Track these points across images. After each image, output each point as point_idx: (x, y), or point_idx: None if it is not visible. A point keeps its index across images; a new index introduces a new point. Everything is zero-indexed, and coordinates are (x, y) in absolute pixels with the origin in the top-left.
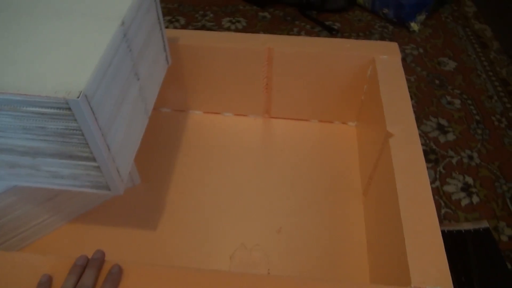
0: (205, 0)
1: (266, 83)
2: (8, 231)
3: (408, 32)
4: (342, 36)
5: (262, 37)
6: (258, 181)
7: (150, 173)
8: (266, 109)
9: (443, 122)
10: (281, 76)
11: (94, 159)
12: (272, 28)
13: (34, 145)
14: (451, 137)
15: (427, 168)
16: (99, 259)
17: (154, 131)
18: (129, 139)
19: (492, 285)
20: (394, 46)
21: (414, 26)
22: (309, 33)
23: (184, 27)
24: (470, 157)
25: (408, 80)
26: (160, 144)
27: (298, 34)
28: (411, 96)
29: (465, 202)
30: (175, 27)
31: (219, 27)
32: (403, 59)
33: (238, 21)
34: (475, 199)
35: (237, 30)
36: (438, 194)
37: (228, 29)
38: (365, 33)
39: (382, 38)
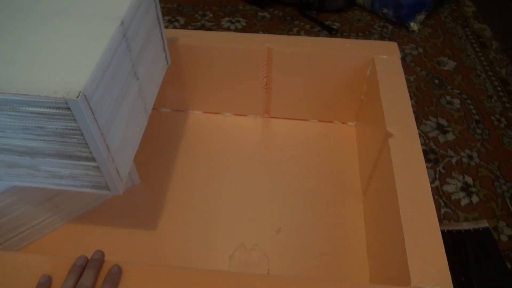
0: (204, 0)
1: (266, 83)
2: (7, 231)
3: (408, 32)
4: (342, 36)
5: (262, 37)
6: (258, 181)
7: (150, 173)
8: (266, 109)
9: (443, 122)
10: (280, 76)
11: (93, 159)
12: (271, 28)
13: (33, 145)
14: (450, 136)
15: (427, 168)
16: (98, 259)
17: (154, 131)
18: (129, 139)
19: (491, 285)
20: (393, 46)
21: (414, 26)
22: (308, 33)
23: (183, 27)
24: (470, 157)
25: (407, 80)
26: (159, 144)
27: (298, 34)
28: (410, 96)
29: (464, 201)
30: (175, 27)
31: (219, 27)
32: (403, 59)
33: (238, 21)
34: (475, 199)
35: (236, 30)
36: (438, 194)
37: (228, 29)
38: (365, 33)
39: (381, 38)
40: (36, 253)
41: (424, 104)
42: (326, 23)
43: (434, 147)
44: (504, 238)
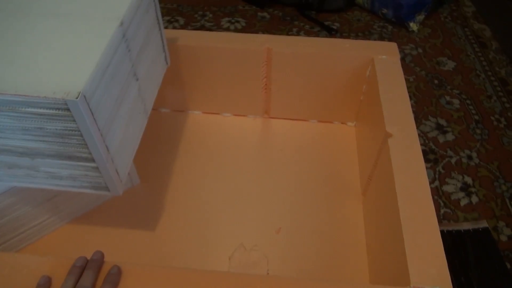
0: (204, 0)
1: (265, 83)
2: (7, 232)
3: (407, 32)
4: (341, 36)
5: (261, 37)
6: (257, 181)
7: (149, 173)
8: (265, 109)
9: (442, 122)
10: (280, 76)
11: (93, 160)
12: (271, 28)
13: (32, 146)
14: (450, 137)
15: (426, 168)
16: (98, 260)
17: (153, 131)
18: (128, 140)
19: (491, 285)
20: (393, 46)
21: (413, 26)
22: (308, 33)
23: (183, 27)
24: (469, 157)
25: (407, 80)
26: (159, 144)
27: (297, 34)
28: (410, 96)
29: (464, 202)
30: (174, 27)
31: (218, 27)
32: (402, 59)
33: (237, 21)
34: (474, 199)
35: (236, 30)
36: (437, 194)
37: (227, 29)
38: (364, 33)
39: (381, 38)
40: (36, 254)
41: (423, 104)
42: (326, 23)
43: (433, 147)
44: (503, 238)
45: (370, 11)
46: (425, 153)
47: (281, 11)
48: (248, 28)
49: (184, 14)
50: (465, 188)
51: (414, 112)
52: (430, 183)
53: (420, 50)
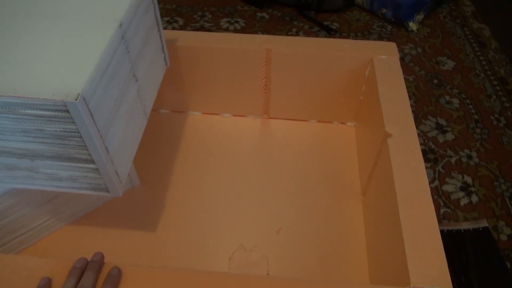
0: (203, 1)
1: (265, 83)
2: (7, 233)
3: (407, 32)
4: (341, 36)
5: (261, 38)
6: (257, 182)
7: (149, 174)
8: (265, 110)
9: (442, 121)
10: (279, 77)
11: (92, 161)
12: (270, 28)
13: (32, 148)
14: (450, 136)
15: (426, 167)
16: (98, 262)
17: (153, 132)
18: (128, 141)
19: (491, 284)
20: (392, 46)
21: (413, 25)
22: (307, 33)
23: (182, 28)
24: (469, 157)
25: (406, 80)
26: (158, 145)
27: (297, 34)
28: (409, 96)
29: (464, 201)
30: (174, 28)
31: (218, 28)
32: (402, 59)
33: (237, 22)
34: (474, 199)
35: (235, 30)
36: (437, 194)
37: (227, 30)
38: (364, 33)
39: (380, 38)
40: (36, 256)
41: (423, 104)
42: (325, 23)
43: (433, 147)
44: (503, 237)
45: (369, 11)
46: (424, 152)
47: (280, 11)
48: (247, 29)
49: (183, 14)
50: (465, 187)
51: (413, 112)
52: (430, 182)
53: (419, 50)
